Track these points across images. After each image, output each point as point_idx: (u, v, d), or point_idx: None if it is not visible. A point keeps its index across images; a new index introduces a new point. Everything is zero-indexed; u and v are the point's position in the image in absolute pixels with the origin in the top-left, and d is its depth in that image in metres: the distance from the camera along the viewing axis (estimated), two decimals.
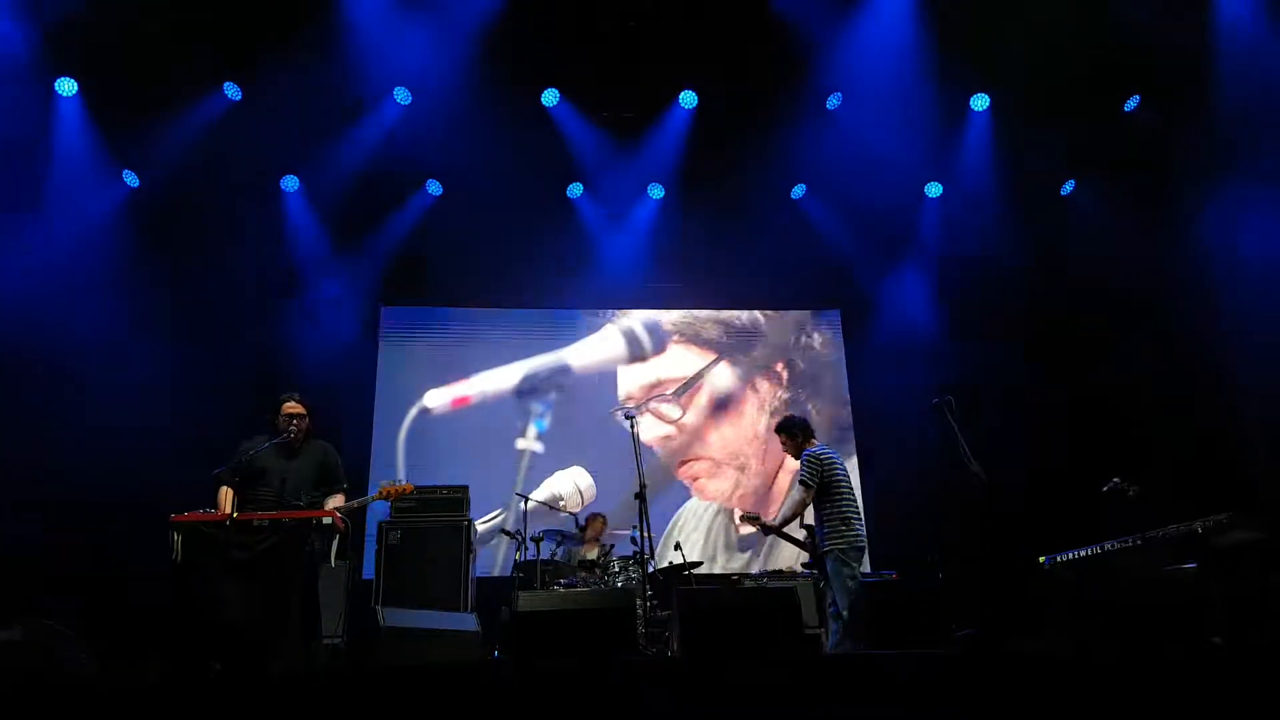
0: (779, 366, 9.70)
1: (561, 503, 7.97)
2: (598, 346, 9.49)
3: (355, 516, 4.80)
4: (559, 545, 7.43)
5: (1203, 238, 7.83)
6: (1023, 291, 8.98)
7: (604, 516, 7.81)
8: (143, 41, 7.05)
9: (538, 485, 8.68)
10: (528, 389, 9.24)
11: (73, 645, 3.59)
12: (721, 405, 9.42)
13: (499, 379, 9.24)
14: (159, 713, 2.71)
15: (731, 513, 8.96)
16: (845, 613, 5.05)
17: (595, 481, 8.85)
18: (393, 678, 2.89)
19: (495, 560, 8.48)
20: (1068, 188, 9.00)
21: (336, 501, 4.84)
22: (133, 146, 7.83)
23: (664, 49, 7.79)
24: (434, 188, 8.88)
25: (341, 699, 2.79)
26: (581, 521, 7.72)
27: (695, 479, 9.17)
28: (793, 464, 5.77)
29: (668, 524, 8.89)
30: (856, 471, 9.05)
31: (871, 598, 5.35)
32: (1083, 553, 5.51)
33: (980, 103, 8.39)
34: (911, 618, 5.38)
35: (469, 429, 8.98)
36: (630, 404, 9.21)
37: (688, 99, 8.35)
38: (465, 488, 6.53)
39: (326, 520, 4.57)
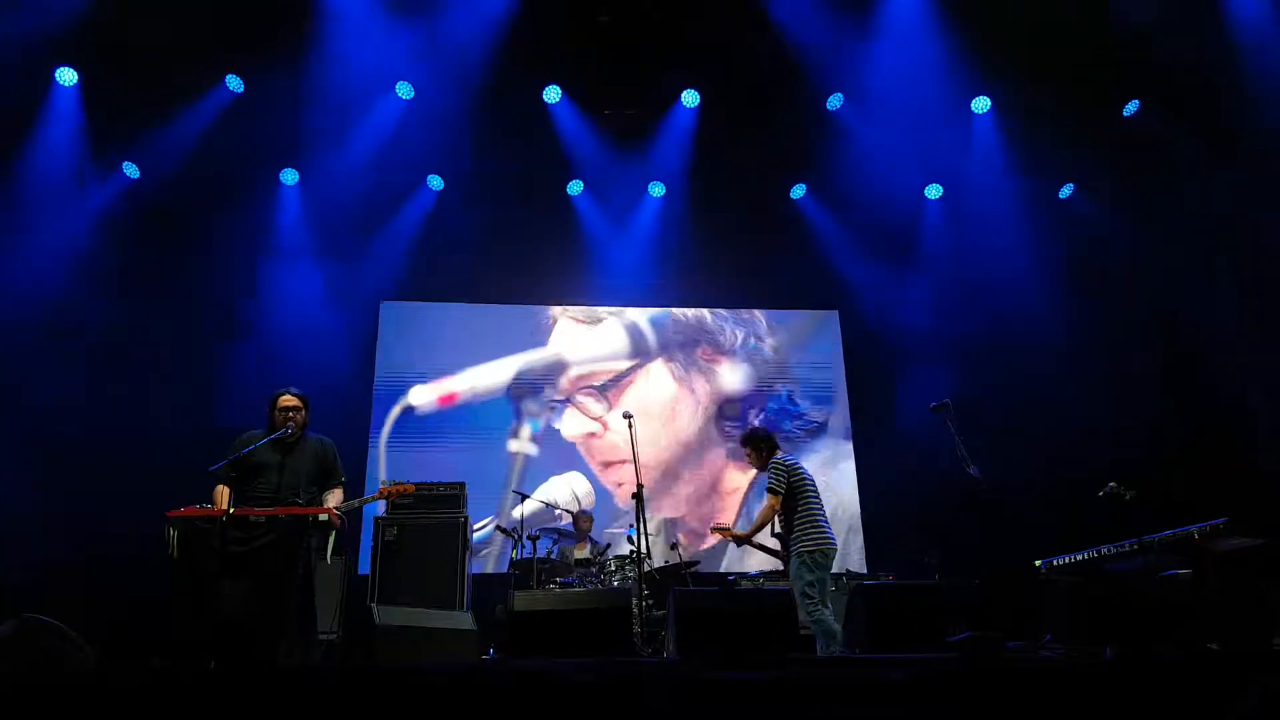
0: (721, 368, 9.33)
1: (558, 511, 7.76)
2: (599, 342, 9.24)
3: (351, 513, 4.78)
4: (554, 544, 7.44)
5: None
6: (1022, 293, 8.98)
7: (590, 514, 7.85)
8: (146, 34, 7.05)
9: (533, 492, 8.34)
10: (521, 387, 8.97)
11: (70, 640, 3.58)
12: (653, 405, 8.99)
13: (490, 375, 8.97)
14: (156, 707, 2.71)
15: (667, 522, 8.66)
16: (810, 623, 5.05)
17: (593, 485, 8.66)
18: (384, 677, 2.88)
19: (491, 557, 8.45)
20: (1066, 191, 9.01)
21: (336, 496, 4.82)
22: (130, 140, 7.83)
23: (667, 47, 7.80)
24: (435, 183, 8.88)
25: (334, 695, 2.78)
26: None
27: (620, 485, 8.61)
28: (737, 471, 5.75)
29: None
30: (854, 474, 9.04)
31: (868, 600, 5.35)
32: (1079, 557, 5.52)
33: (981, 105, 8.40)
34: (907, 621, 5.38)
35: (457, 428, 8.75)
36: (556, 395, 8.93)
37: (690, 98, 8.35)
38: (463, 484, 6.49)
39: (323, 517, 4.56)
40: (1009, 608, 5.67)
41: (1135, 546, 4.94)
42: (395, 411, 8.76)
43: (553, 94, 8.23)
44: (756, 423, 8.95)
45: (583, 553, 7.30)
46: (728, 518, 8.71)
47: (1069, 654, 3.13)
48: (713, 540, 8.38)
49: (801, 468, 5.51)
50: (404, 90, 8.00)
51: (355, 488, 5.16)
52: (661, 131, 8.61)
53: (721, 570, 8.48)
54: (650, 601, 6.33)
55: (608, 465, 8.77)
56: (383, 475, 8.35)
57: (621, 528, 8.31)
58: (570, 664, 2.99)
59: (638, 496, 5.55)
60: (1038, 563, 5.89)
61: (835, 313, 9.68)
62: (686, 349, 9.35)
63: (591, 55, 7.87)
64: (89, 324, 7.63)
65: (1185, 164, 8.09)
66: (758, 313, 9.60)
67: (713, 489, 8.91)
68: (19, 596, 4.64)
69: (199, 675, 2.98)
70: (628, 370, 9.12)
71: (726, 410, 9.13)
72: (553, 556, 7.18)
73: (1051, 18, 7.20)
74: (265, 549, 4.47)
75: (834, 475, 8.99)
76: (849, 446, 9.19)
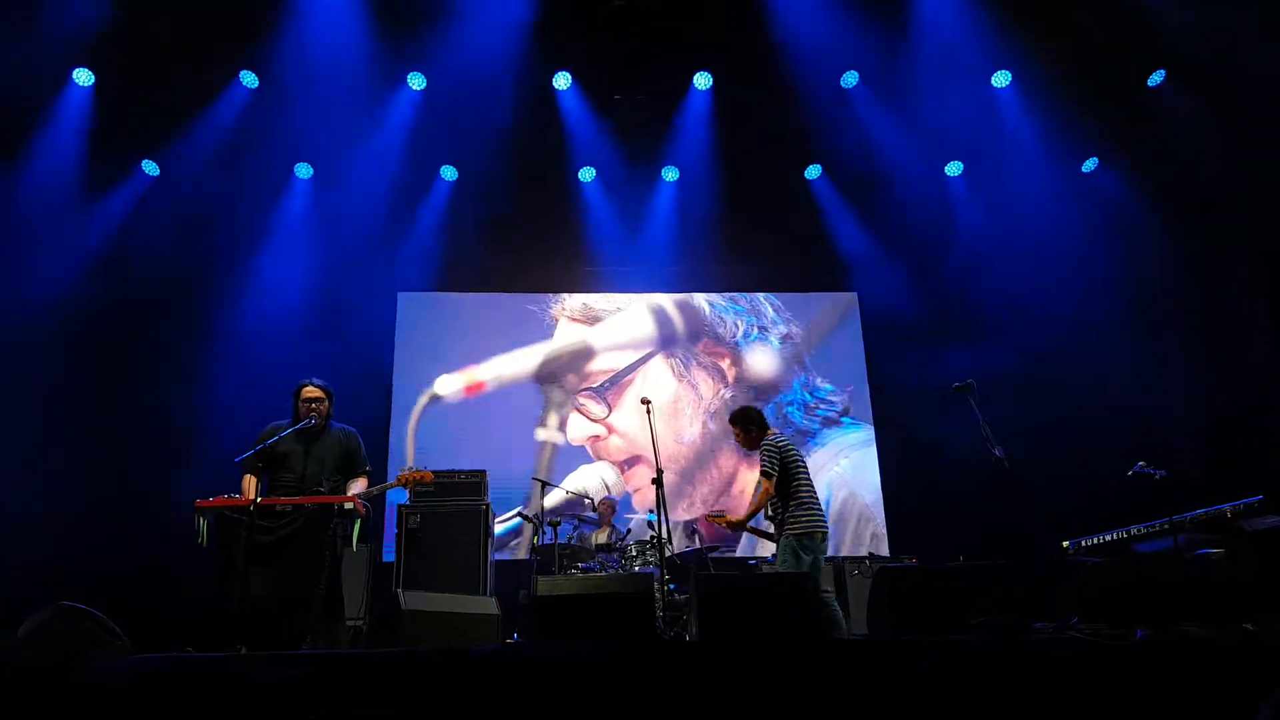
0: (724, 362, 9.17)
1: (587, 500, 7.73)
2: (626, 327, 9.14)
3: (374, 501, 4.84)
4: (575, 530, 7.47)
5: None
6: (1044, 272, 8.87)
7: (612, 501, 7.85)
8: (160, 33, 7.09)
9: (561, 481, 8.36)
10: (548, 375, 8.97)
11: (106, 627, 3.62)
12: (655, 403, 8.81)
13: (516, 364, 8.94)
14: (190, 693, 2.74)
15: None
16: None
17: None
18: (414, 659, 2.90)
19: (522, 547, 8.42)
20: (1090, 165, 8.86)
21: (360, 485, 4.90)
22: (147, 138, 7.90)
23: (679, 30, 7.73)
24: (449, 174, 8.88)
25: (364, 679, 2.80)
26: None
27: (637, 490, 8.49)
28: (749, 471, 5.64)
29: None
30: (875, 456, 8.97)
31: (890, 583, 5.31)
32: (1108, 537, 5.46)
33: (1002, 79, 8.27)
34: (931, 604, 5.34)
35: (484, 418, 8.72)
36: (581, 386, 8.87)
37: (703, 80, 8.28)
38: (484, 472, 6.53)
39: (348, 505, 4.61)
40: (1035, 589, 5.63)
41: (1166, 526, 4.87)
42: (422, 401, 8.76)
43: (563, 80, 8.18)
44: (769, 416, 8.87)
45: (603, 538, 7.32)
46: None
47: (1097, 635, 3.09)
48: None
49: (794, 447, 5.39)
50: (416, 81, 7.99)
51: (377, 476, 5.19)
52: (674, 116, 8.54)
53: (740, 555, 8.48)
54: (672, 586, 6.34)
55: (617, 466, 8.71)
56: (410, 464, 8.35)
57: (641, 513, 8.32)
58: (596, 645, 2.99)
59: (657, 481, 5.55)
60: (1065, 543, 5.83)
61: (854, 295, 9.58)
62: (688, 344, 9.19)
63: (603, 40, 7.82)
64: (110, 316, 7.73)
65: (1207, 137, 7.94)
66: (764, 299, 9.46)
67: (725, 490, 8.78)
68: (46, 585, 4.72)
69: (232, 660, 3.02)
70: (626, 369, 9.00)
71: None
72: (573, 542, 7.21)
73: None
74: (292, 537, 4.53)
75: (856, 458, 8.92)
76: (870, 429, 9.11)
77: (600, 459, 8.73)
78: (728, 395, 9.01)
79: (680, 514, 8.59)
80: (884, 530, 8.64)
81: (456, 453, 8.11)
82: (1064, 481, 7.72)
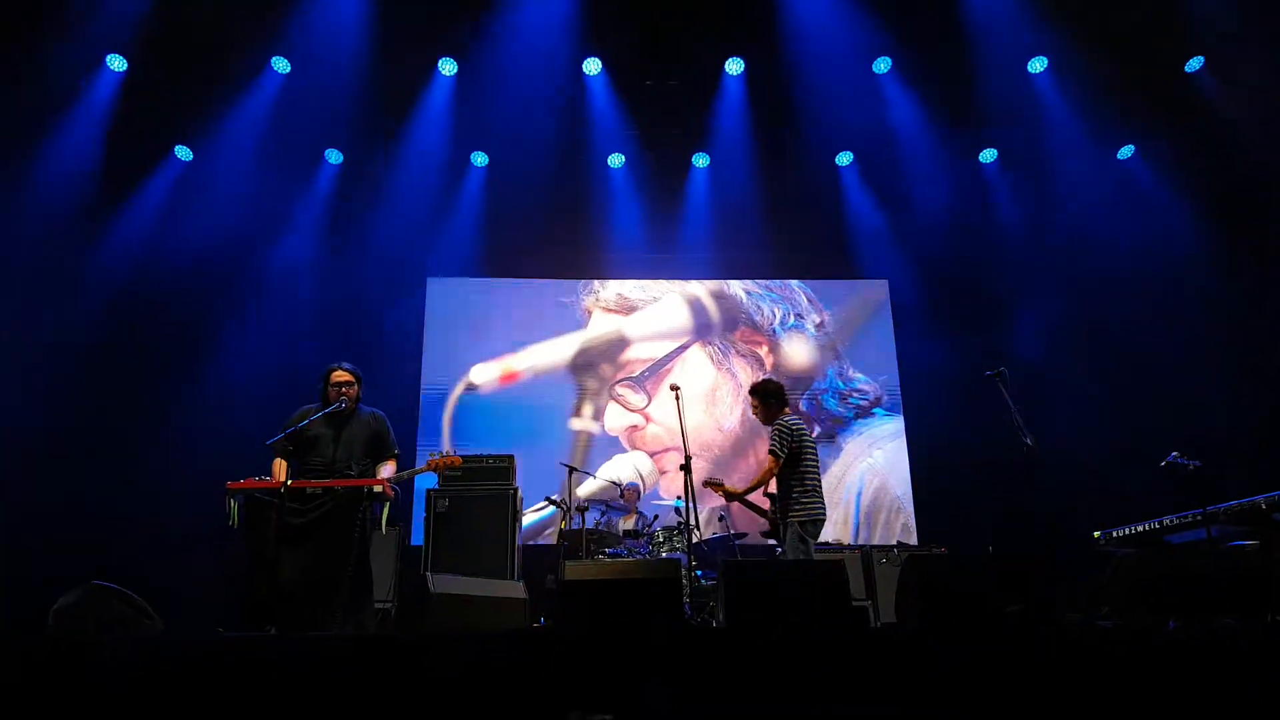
0: (762, 349, 9.16)
1: (634, 488, 7.70)
2: (661, 317, 9.11)
3: (402, 484, 4.88)
4: (603, 515, 7.50)
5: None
6: (1076, 258, 8.73)
7: (637, 488, 7.87)
8: (196, 20, 7.16)
9: (595, 470, 8.41)
10: (584, 364, 8.94)
11: (137, 607, 3.70)
12: (692, 392, 8.75)
13: (551, 353, 8.96)
14: (222, 671, 2.79)
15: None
16: None
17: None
18: (442, 642, 2.93)
19: (555, 536, 8.45)
20: (1126, 152, 8.70)
21: (389, 468, 4.93)
22: (179, 125, 8.01)
23: (710, 15, 7.67)
24: (479, 159, 8.90)
25: (393, 661, 2.84)
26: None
27: (668, 476, 8.48)
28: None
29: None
30: (904, 443, 8.91)
31: (919, 573, 5.28)
32: (1139, 527, 5.39)
33: (1038, 64, 8.12)
34: (959, 594, 5.30)
35: (520, 406, 8.74)
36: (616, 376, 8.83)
37: (735, 66, 8.22)
38: (511, 456, 6.58)
39: (377, 488, 4.66)
40: (1065, 580, 5.57)
41: (1199, 517, 4.80)
42: (458, 390, 8.81)
43: (593, 66, 8.16)
44: (803, 406, 8.85)
45: (630, 524, 7.35)
46: None
47: (1129, 626, 3.06)
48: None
49: (806, 433, 5.42)
50: (448, 67, 8.01)
51: (406, 461, 5.24)
52: (705, 101, 8.48)
53: (771, 544, 8.44)
54: (699, 573, 6.35)
55: (653, 456, 8.69)
56: (447, 449, 8.44)
57: (671, 500, 8.31)
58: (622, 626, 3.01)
59: (685, 468, 5.56)
60: (1096, 533, 5.76)
61: (885, 282, 9.50)
62: (725, 332, 9.18)
63: (633, 26, 7.77)
64: (140, 303, 7.86)
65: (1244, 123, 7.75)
66: (797, 287, 9.39)
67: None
68: (79, 566, 4.82)
69: (263, 641, 3.07)
70: (664, 358, 8.99)
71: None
72: (600, 528, 7.25)
73: None
74: (322, 519, 4.58)
75: (890, 449, 8.85)
76: (901, 420, 9.04)
77: (636, 449, 8.73)
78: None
79: (713, 500, 8.59)
80: (914, 523, 8.58)
81: (492, 442, 8.13)
82: (1095, 471, 7.62)
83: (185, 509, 6.89)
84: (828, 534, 8.27)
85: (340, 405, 4.83)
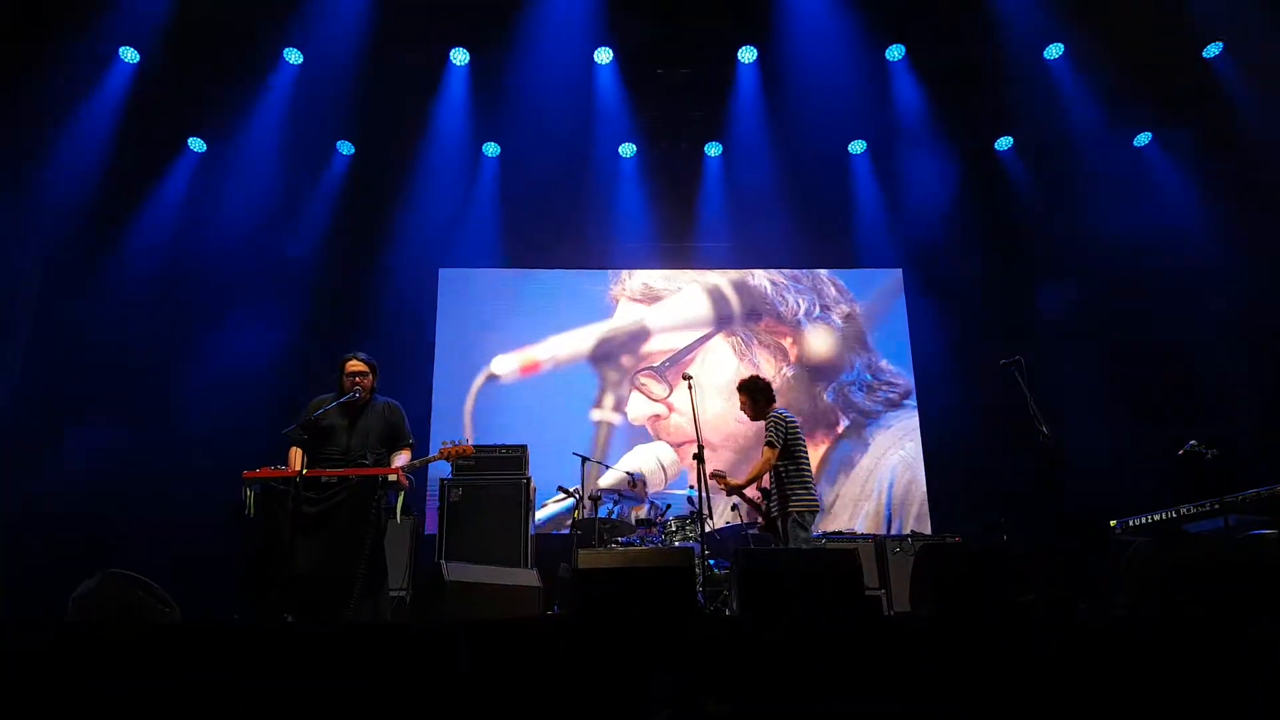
0: (786, 340, 9.08)
1: (643, 479, 7.64)
2: (682, 308, 9.05)
3: (416, 473, 4.91)
4: (615, 504, 7.52)
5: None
6: (1093, 247, 8.65)
7: (644, 477, 7.87)
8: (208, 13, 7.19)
9: (617, 461, 8.37)
10: (604, 355, 8.88)
11: (154, 593, 3.74)
12: (715, 383, 8.69)
13: (572, 344, 8.93)
14: (237, 658, 2.82)
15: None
16: None
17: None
18: (457, 629, 2.95)
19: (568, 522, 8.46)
20: (1142, 139, 8.60)
21: (404, 456, 4.96)
22: (191, 117, 8.04)
23: (721, 4, 7.62)
24: (490, 149, 8.90)
25: (407, 649, 2.86)
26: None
27: (692, 467, 8.54)
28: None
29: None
30: (918, 433, 8.87)
31: (932, 562, 5.27)
32: (1157, 516, 5.36)
33: (1054, 51, 8.03)
34: (973, 584, 5.29)
35: (540, 397, 8.71)
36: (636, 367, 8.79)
37: (748, 54, 8.17)
38: (524, 446, 6.61)
39: (391, 477, 4.68)
40: (1081, 569, 5.54)
41: (1217, 506, 4.76)
42: (479, 381, 8.80)
43: (604, 55, 8.13)
44: (828, 398, 8.81)
45: (643, 513, 7.36)
46: None
47: (1145, 616, 3.04)
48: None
49: (798, 425, 5.57)
50: (459, 57, 8.00)
51: (420, 451, 5.27)
52: (718, 90, 8.44)
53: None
54: (712, 561, 6.36)
55: (678, 448, 8.68)
56: (465, 438, 8.47)
57: (681, 490, 8.32)
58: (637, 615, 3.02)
59: (698, 456, 5.58)
60: (1113, 523, 5.73)
61: (899, 271, 9.44)
62: (749, 323, 9.13)
63: (645, 14, 7.74)
64: (152, 291, 7.93)
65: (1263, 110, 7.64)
66: (826, 278, 9.31)
67: None
68: (98, 553, 4.87)
69: (279, 629, 3.10)
70: (686, 349, 8.95)
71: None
72: (614, 517, 7.27)
73: None
74: (337, 508, 4.62)
75: (920, 441, 8.79)
76: (913, 406, 8.98)
77: (660, 439, 8.73)
78: (789, 374, 8.95)
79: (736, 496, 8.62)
80: (927, 507, 8.54)
81: (513, 433, 8.00)
82: (1112, 460, 7.57)
83: (200, 497, 6.94)
84: (859, 525, 8.30)
85: (355, 395, 4.85)
